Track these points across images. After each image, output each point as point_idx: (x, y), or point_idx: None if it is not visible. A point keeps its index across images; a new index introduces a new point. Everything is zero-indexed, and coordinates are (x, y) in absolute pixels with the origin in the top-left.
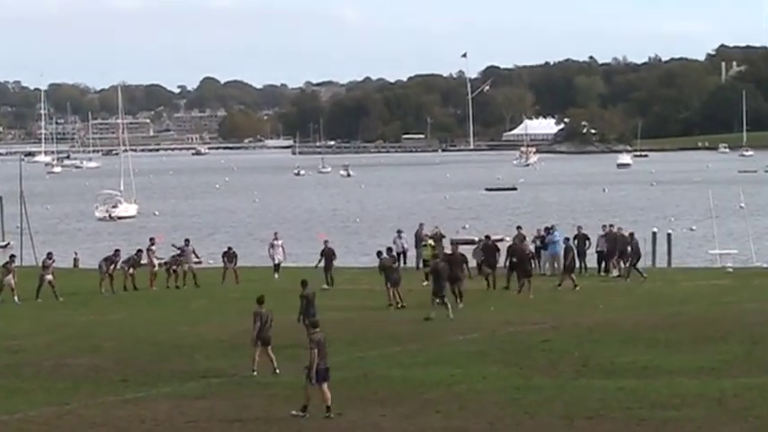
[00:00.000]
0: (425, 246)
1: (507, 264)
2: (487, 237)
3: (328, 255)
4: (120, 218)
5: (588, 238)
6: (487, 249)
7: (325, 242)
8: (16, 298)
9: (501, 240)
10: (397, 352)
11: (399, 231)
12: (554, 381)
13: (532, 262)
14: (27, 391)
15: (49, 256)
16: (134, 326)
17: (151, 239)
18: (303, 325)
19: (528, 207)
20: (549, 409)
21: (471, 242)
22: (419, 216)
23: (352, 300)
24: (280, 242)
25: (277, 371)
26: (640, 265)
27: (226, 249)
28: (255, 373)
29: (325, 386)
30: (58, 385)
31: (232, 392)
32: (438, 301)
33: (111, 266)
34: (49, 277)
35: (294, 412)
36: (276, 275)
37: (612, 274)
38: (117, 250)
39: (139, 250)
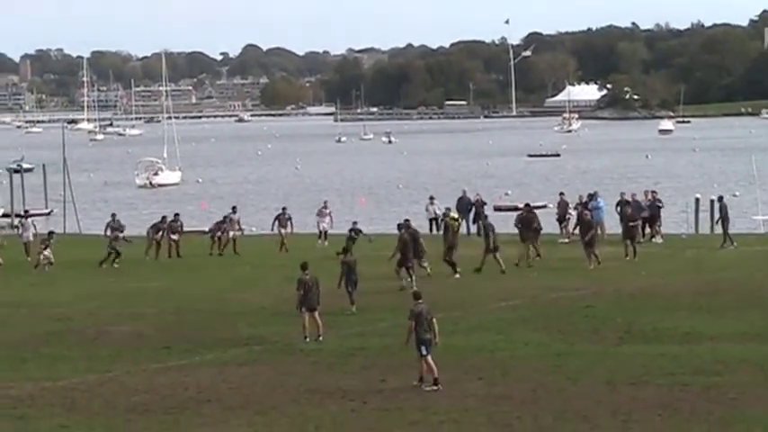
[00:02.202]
0: (447, 218)
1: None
2: (527, 205)
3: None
4: (160, 185)
5: (629, 203)
6: (524, 221)
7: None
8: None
9: (544, 207)
10: (439, 319)
11: (431, 198)
12: (596, 347)
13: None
14: (70, 359)
15: (176, 219)
16: (176, 293)
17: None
18: (346, 291)
19: (570, 174)
20: (591, 375)
21: (515, 209)
22: (461, 183)
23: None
24: (328, 210)
25: (320, 338)
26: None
27: (280, 212)
28: (307, 339)
29: (429, 358)
30: (100, 352)
31: (275, 359)
32: (404, 270)
33: (159, 234)
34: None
35: (415, 383)
36: (320, 242)
37: (657, 240)
38: (164, 217)
39: (176, 214)
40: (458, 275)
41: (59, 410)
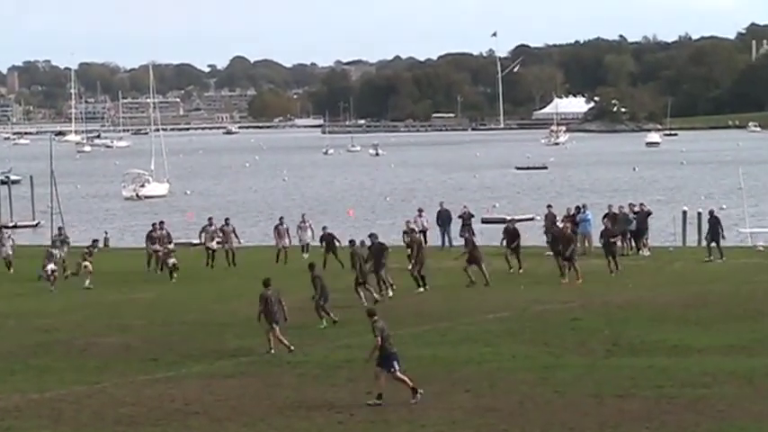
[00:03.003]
0: (407, 232)
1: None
2: (511, 220)
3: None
4: (147, 197)
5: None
6: (508, 233)
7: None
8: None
9: (531, 219)
10: (427, 330)
11: (420, 210)
12: (584, 359)
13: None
14: (58, 370)
15: (161, 225)
16: (164, 305)
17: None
18: (318, 306)
19: (558, 186)
20: (578, 387)
21: (502, 221)
22: (448, 195)
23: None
24: (308, 223)
25: (272, 350)
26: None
27: (278, 222)
28: (273, 351)
29: (398, 372)
30: (88, 364)
31: (262, 371)
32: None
33: (155, 244)
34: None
35: (370, 402)
36: (305, 255)
37: (644, 253)
38: (154, 224)
39: (161, 222)
40: (421, 290)
41: (47, 422)
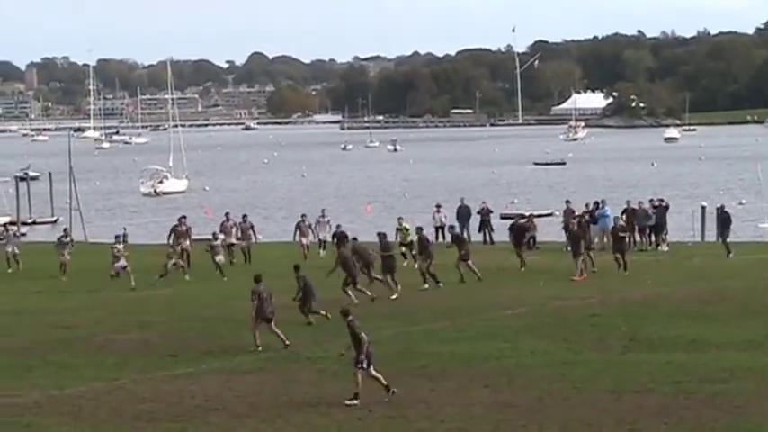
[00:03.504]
0: (400, 230)
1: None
2: (521, 216)
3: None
4: (165, 193)
5: (634, 210)
6: (516, 230)
7: (338, 226)
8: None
9: (550, 215)
10: (445, 326)
11: (438, 206)
12: (602, 355)
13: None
14: (77, 367)
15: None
16: (182, 301)
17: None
18: (304, 306)
19: (577, 182)
20: (597, 383)
21: (521, 216)
22: (466, 191)
23: (399, 276)
24: (327, 219)
25: (287, 342)
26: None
27: (300, 219)
28: (260, 348)
29: (372, 369)
30: (107, 360)
31: (281, 367)
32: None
33: (179, 240)
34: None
35: (348, 402)
36: (322, 252)
37: (663, 248)
38: (179, 218)
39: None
40: (426, 286)
41: (66, 418)
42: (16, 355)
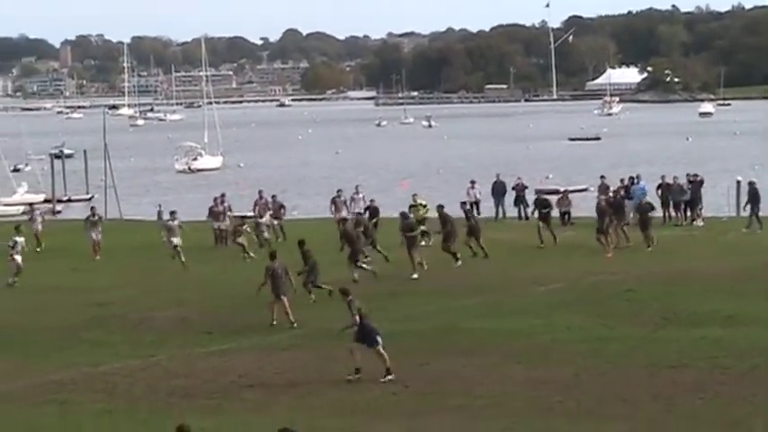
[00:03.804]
0: (415, 206)
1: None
2: (551, 191)
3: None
4: (199, 170)
5: (670, 186)
6: (540, 203)
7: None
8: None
9: (585, 190)
10: (480, 302)
11: (473, 181)
12: (637, 330)
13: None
14: (113, 344)
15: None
16: (218, 279)
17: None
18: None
19: (611, 157)
20: (632, 359)
21: (555, 192)
22: (501, 167)
23: (433, 251)
24: (361, 194)
25: (295, 324)
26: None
27: (335, 194)
28: (275, 323)
29: (379, 348)
30: (143, 337)
31: (316, 343)
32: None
33: (221, 218)
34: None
35: (349, 377)
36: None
37: (698, 223)
38: (216, 198)
39: (221, 196)
40: (459, 263)
41: (101, 396)
42: (51, 332)
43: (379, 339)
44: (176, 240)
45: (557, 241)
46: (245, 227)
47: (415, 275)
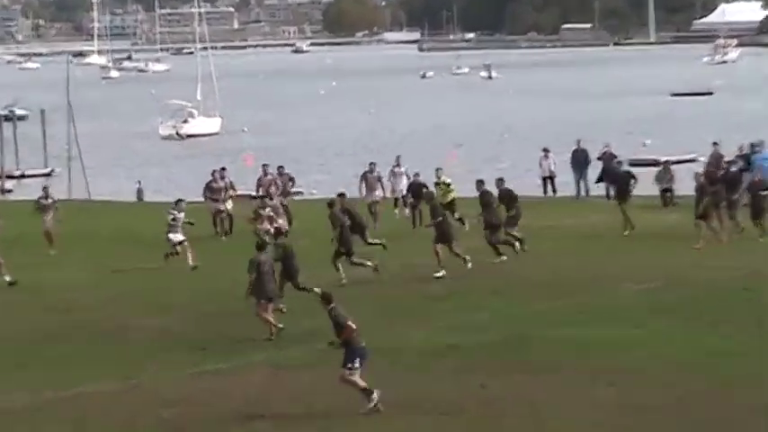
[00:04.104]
0: (438, 185)
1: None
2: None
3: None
4: (191, 136)
5: None
6: (618, 180)
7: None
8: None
9: (693, 161)
10: (555, 306)
11: (546, 150)
12: (760, 342)
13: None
14: (81, 361)
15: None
16: (215, 276)
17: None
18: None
19: (727, 117)
20: (753, 378)
21: (654, 163)
22: (582, 131)
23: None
24: (404, 168)
25: (272, 337)
26: None
27: (368, 168)
28: (281, 326)
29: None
30: (120, 353)
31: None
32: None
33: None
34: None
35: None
36: (397, 211)
37: None
38: (213, 172)
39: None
40: (504, 257)
41: (68, 428)
42: (3, 346)
43: (356, 363)
44: (178, 237)
45: (632, 227)
46: (266, 210)
47: (439, 273)
